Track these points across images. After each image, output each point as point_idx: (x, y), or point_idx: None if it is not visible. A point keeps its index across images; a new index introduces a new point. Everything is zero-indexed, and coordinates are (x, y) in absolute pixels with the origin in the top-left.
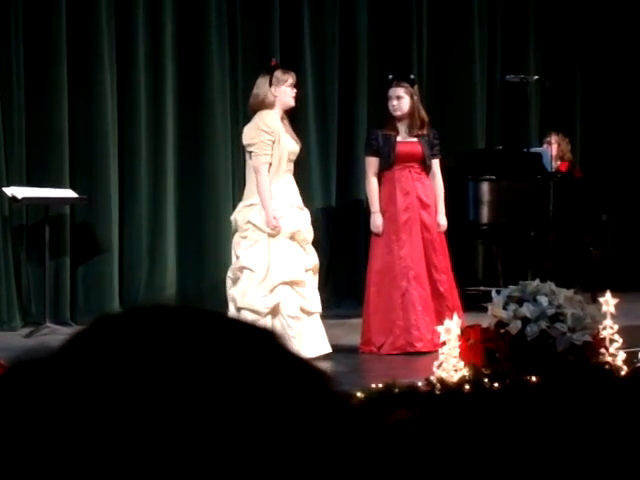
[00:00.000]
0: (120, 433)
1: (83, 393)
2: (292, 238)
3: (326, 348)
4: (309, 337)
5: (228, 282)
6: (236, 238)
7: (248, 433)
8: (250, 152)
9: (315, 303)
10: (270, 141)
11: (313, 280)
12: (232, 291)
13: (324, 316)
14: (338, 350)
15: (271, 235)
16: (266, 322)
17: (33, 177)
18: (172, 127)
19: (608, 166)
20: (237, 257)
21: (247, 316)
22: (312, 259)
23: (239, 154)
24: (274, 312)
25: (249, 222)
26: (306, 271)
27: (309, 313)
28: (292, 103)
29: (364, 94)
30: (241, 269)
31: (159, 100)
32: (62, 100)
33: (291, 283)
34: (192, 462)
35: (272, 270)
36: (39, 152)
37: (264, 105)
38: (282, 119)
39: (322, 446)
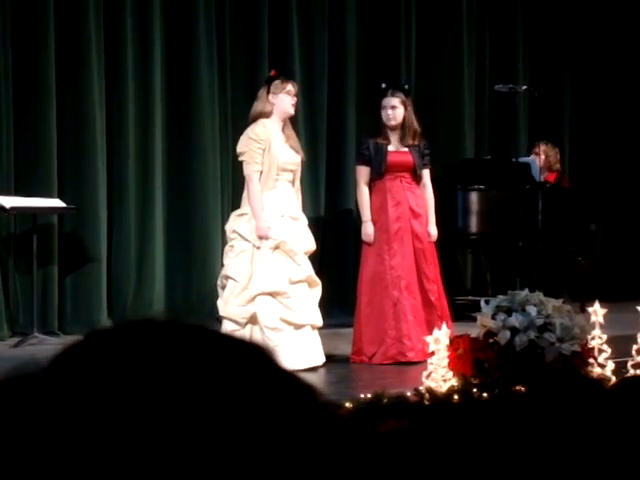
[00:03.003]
0: (113, 448)
1: (75, 409)
2: (277, 248)
3: (316, 361)
4: (295, 349)
5: (219, 291)
6: (226, 247)
7: (236, 446)
8: (242, 161)
9: (304, 315)
10: (260, 149)
11: (306, 292)
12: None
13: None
14: (328, 360)
15: (256, 245)
16: (244, 332)
17: (21, 187)
18: (161, 137)
19: (596, 176)
20: (223, 266)
21: (227, 326)
22: (303, 270)
23: (228, 165)
24: (254, 322)
25: (235, 231)
26: (293, 283)
27: (296, 325)
28: (291, 111)
29: (353, 104)
30: (226, 278)
31: (148, 111)
32: (50, 110)
33: (272, 294)
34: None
35: (253, 280)
36: (27, 161)
37: (262, 115)
38: (284, 128)
39: (308, 458)
